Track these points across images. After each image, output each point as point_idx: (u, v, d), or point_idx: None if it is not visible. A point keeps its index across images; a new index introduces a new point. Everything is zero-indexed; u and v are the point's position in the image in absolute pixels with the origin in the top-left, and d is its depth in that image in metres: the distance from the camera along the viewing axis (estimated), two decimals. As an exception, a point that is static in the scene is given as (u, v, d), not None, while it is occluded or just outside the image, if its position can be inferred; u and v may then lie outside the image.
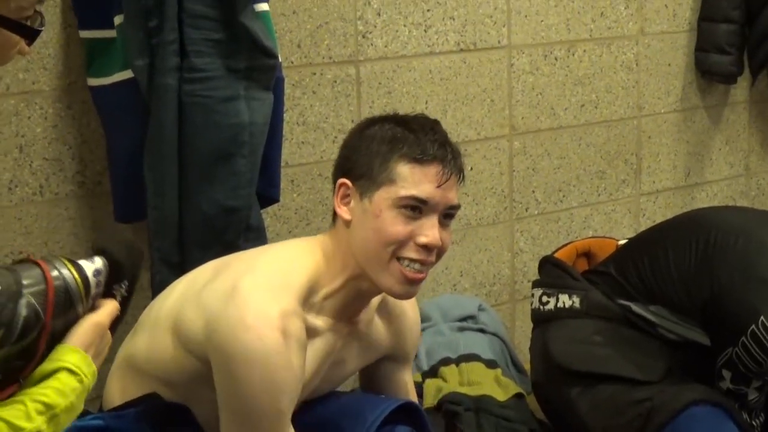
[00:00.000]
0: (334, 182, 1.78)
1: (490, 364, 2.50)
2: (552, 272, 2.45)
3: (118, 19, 2.15)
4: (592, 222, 3.06)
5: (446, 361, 2.50)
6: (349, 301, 1.78)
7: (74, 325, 1.30)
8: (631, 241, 2.51)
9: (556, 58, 2.90)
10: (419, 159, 1.70)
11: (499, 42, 2.79)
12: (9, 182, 2.22)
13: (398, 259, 1.71)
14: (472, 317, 2.68)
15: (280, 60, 2.26)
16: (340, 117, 2.59)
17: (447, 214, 1.74)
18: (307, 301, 1.71)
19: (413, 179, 1.70)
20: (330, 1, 2.53)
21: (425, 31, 2.67)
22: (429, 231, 1.70)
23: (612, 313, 2.31)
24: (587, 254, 2.58)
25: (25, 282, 1.21)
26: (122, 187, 2.26)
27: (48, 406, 1.22)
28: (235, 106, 2.16)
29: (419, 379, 2.47)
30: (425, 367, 2.52)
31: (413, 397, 2.06)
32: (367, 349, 1.91)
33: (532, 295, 2.46)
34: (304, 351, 1.67)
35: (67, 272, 1.27)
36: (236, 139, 2.17)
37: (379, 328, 1.92)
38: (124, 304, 1.37)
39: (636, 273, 2.31)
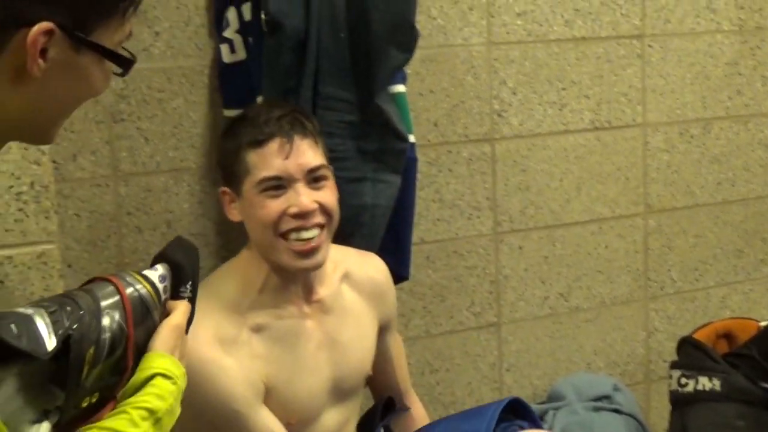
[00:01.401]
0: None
1: (627, 445, 2.46)
2: (691, 353, 2.42)
3: (259, 100, 2.20)
4: (730, 302, 3.00)
5: (582, 441, 2.47)
6: (281, 286, 1.89)
7: (153, 332, 1.31)
8: (774, 322, 2.46)
9: (692, 136, 2.88)
10: (258, 141, 1.82)
11: (633, 120, 2.78)
12: (157, 257, 2.30)
13: (282, 236, 1.82)
14: (607, 397, 2.64)
15: (414, 140, 2.29)
16: (475, 194, 2.60)
17: (314, 178, 1.84)
18: (241, 302, 1.87)
19: (260, 162, 1.82)
20: (466, 81, 2.56)
21: (560, 109, 2.68)
22: (294, 200, 1.81)
23: (755, 396, 2.27)
24: (727, 335, 2.54)
25: (101, 299, 1.23)
26: None
27: (151, 411, 1.23)
28: (360, 187, 2.19)
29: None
30: (561, 446, 2.49)
31: (402, 357, 2.19)
32: (348, 318, 2.00)
33: (671, 377, 2.41)
34: (243, 348, 1.84)
35: (138, 283, 1.29)
36: (357, 219, 2.19)
37: (348, 296, 2.01)
38: (191, 303, 1.39)
39: (780, 356, 2.25)
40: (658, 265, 2.88)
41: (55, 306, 1.15)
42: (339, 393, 1.99)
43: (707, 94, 2.88)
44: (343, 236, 2.12)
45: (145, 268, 1.34)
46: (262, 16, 2.12)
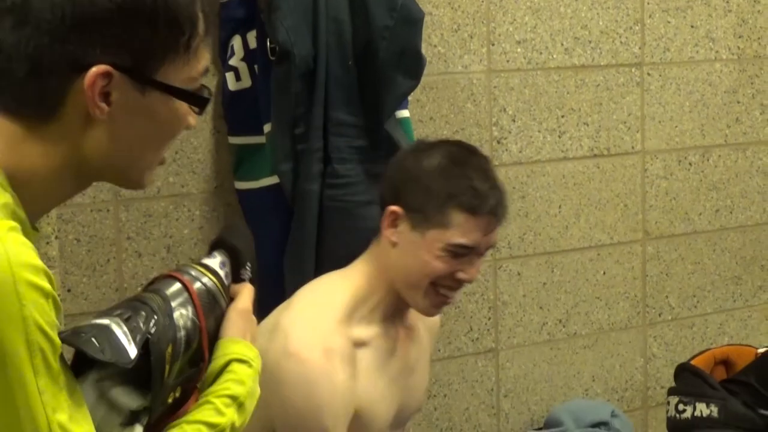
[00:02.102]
0: (383, 200, 1.89)
1: (625, 471, 2.46)
2: (689, 380, 2.42)
3: (267, 127, 2.22)
4: (728, 328, 3.00)
5: (579, 468, 2.47)
6: (393, 305, 1.89)
7: (222, 319, 1.32)
8: (772, 349, 2.47)
9: (690, 163, 2.89)
10: (475, 211, 1.82)
11: (632, 147, 2.80)
12: (156, 281, 2.31)
13: (433, 285, 1.84)
14: (604, 423, 2.64)
15: None
16: None
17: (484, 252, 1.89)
18: (352, 315, 1.84)
19: (466, 228, 1.81)
20: (466, 108, 2.57)
21: (559, 136, 2.69)
22: (469, 270, 1.85)
23: (752, 423, 2.27)
24: (725, 362, 2.54)
25: (171, 298, 1.24)
26: (265, 287, 2.23)
27: (233, 398, 1.25)
28: (371, 211, 2.18)
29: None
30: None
31: None
32: (421, 348, 2.01)
33: (668, 403, 2.42)
34: (350, 364, 1.80)
35: (203, 276, 1.30)
36: (368, 243, 2.17)
37: (420, 327, 2.03)
38: (253, 285, 1.40)
39: (778, 382, 2.26)
40: (656, 292, 2.89)
41: (129, 312, 1.17)
42: (398, 423, 1.98)
43: (706, 121, 2.89)
44: (354, 259, 2.12)
45: (203, 257, 1.35)
46: (268, 44, 2.14)
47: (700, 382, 2.38)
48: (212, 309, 1.30)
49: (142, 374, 1.16)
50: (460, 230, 1.81)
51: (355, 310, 1.86)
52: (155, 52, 1.12)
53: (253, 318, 1.38)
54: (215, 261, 1.34)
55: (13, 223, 1.05)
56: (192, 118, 1.20)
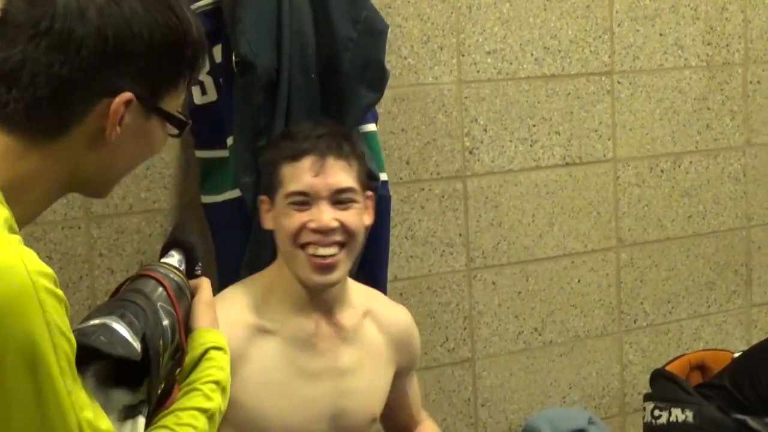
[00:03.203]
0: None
1: (602, 478, 2.46)
2: (664, 386, 2.43)
3: (230, 140, 2.21)
4: (703, 333, 3.01)
5: (557, 475, 2.47)
6: (302, 300, 1.93)
7: (190, 312, 1.41)
8: (745, 353, 2.48)
9: (662, 170, 2.90)
10: (294, 156, 1.90)
11: (604, 155, 2.81)
12: (130, 297, 2.29)
13: (301, 247, 1.89)
14: (582, 430, 2.64)
15: (386, 178, 2.30)
16: (447, 231, 2.62)
17: (339, 200, 1.90)
18: (262, 305, 1.93)
19: (292, 176, 1.89)
20: (437, 119, 2.58)
21: (531, 146, 2.70)
22: (316, 216, 1.87)
23: (727, 428, 2.28)
24: (701, 367, 2.56)
25: (151, 294, 1.31)
26: None
27: (217, 383, 1.34)
28: None
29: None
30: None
31: (418, 396, 2.21)
32: (364, 354, 2.00)
33: (644, 409, 2.43)
34: (245, 342, 1.87)
35: (171, 272, 1.38)
36: None
37: (370, 332, 2.03)
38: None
39: (751, 386, 2.29)
40: (630, 299, 2.90)
41: (121, 310, 1.23)
42: (338, 429, 1.97)
43: (676, 128, 2.91)
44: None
45: (163, 257, 1.43)
46: (233, 57, 2.13)
47: (675, 388, 2.39)
48: (182, 302, 1.38)
49: (130, 370, 1.21)
50: (288, 180, 1.89)
51: (263, 299, 1.94)
52: (169, 83, 1.24)
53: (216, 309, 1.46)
54: (175, 260, 1.42)
55: (19, 237, 1.11)
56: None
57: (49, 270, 1.08)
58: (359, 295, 2.04)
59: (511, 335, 2.73)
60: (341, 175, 1.91)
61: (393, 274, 2.50)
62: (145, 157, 1.31)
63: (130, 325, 1.21)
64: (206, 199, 2.29)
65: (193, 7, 2.19)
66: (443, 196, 2.60)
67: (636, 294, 2.91)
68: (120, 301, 1.27)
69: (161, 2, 1.20)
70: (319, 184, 1.89)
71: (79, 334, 1.14)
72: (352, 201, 1.92)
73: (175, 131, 1.28)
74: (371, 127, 2.29)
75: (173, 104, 1.27)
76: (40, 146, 1.17)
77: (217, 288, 2.27)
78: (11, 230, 1.12)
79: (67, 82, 1.15)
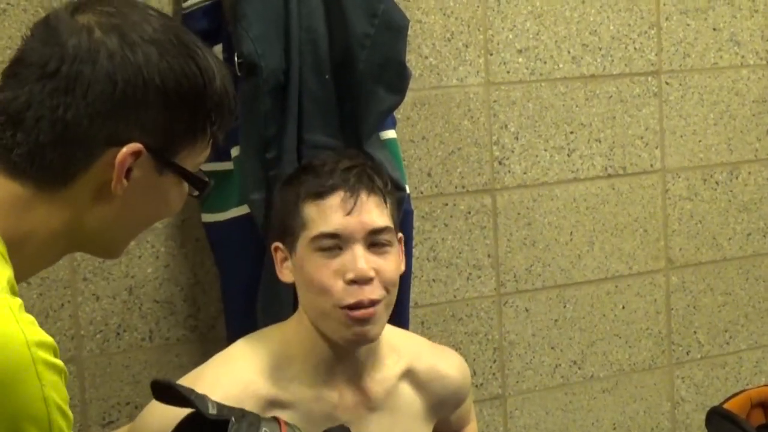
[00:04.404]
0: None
1: None
2: (722, 426, 2.30)
3: (234, 151, 2.13)
4: (765, 366, 2.92)
5: None
6: (327, 364, 1.74)
7: None
8: (814, 389, 2.39)
9: (717, 182, 2.81)
10: (320, 193, 1.70)
11: (651, 165, 2.73)
12: (117, 327, 2.21)
13: (342, 309, 1.67)
14: (628, 477, 2.49)
15: (408, 191, 2.25)
16: (475, 252, 2.53)
17: (375, 242, 1.70)
18: (277, 372, 1.73)
19: (319, 216, 1.69)
20: (463, 126, 2.50)
21: (568, 155, 2.62)
22: (351, 264, 1.66)
23: (795, 474, 2.18)
24: (763, 404, 2.40)
25: (262, 421, 1.46)
26: (238, 331, 2.14)
27: None
28: None
29: None
30: None
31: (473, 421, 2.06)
32: (397, 423, 1.83)
33: (700, 454, 2.30)
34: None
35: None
36: None
37: (405, 395, 1.84)
38: None
39: (821, 427, 2.18)
40: (682, 327, 2.82)
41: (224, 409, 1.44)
42: None
43: (733, 135, 2.82)
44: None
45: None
46: (236, 58, 2.08)
47: (735, 429, 2.27)
48: None
49: None
50: (315, 221, 1.70)
51: (280, 363, 1.74)
52: (186, 137, 1.22)
53: None
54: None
55: (20, 301, 1.10)
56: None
57: (49, 339, 1.08)
58: (397, 349, 1.83)
59: (547, 369, 2.65)
60: (376, 212, 1.71)
61: (414, 300, 2.43)
62: (160, 215, 1.29)
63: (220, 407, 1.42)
64: (208, 217, 2.22)
65: (188, 3, 2.17)
66: (469, 212, 2.52)
67: (689, 322, 2.82)
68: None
69: (181, 49, 1.20)
70: (352, 224, 1.68)
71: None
72: (389, 245, 1.72)
73: (195, 192, 1.27)
74: (391, 133, 2.25)
75: (192, 161, 1.24)
76: (45, 195, 1.17)
77: (225, 322, 2.27)
78: (12, 291, 1.12)
79: (71, 127, 1.15)
